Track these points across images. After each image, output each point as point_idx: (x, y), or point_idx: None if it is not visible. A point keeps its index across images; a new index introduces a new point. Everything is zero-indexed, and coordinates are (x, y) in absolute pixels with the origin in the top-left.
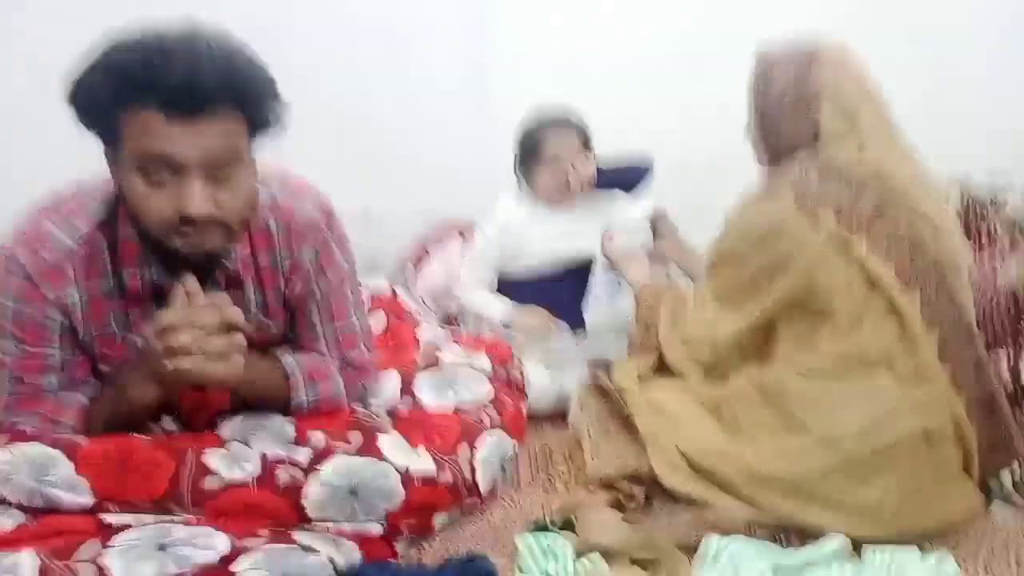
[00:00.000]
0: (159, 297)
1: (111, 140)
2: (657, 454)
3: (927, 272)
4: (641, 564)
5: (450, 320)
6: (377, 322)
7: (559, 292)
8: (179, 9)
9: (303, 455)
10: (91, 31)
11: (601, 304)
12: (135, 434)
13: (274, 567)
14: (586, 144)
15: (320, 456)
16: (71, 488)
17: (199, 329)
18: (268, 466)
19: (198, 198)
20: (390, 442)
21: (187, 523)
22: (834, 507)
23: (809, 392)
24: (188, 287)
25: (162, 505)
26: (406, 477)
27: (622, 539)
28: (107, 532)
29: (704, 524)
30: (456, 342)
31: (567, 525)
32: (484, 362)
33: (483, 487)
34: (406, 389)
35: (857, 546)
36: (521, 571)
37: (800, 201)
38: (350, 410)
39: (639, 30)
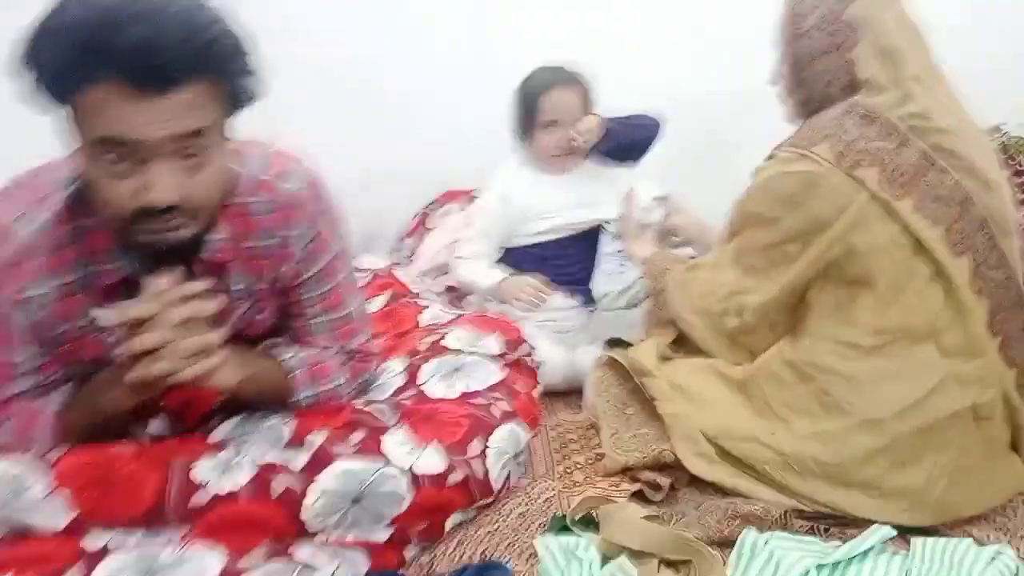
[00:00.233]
0: (133, 291)
1: (69, 119)
2: (681, 439)
3: (976, 234)
4: (672, 564)
5: (453, 295)
6: (376, 304)
7: (566, 260)
8: None
9: (301, 460)
10: None
11: (610, 275)
12: (116, 443)
13: None
14: (588, 102)
15: (319, 462)
16: (46, 508)
17: (173, 327)
18: (262, 475)
19: (162, 185)
20: (395, 441)
21: (177, 542)
22: (876, 492)
23: (847, 369)
24: (161, 282)
25: (148, 522)
26: (413, 479)
27: (650, 539)
28: (89, 559)
29: (736, 516)
30: (461, 322)
31: (588, 523)
32: (492, 343)
33: (496, 484)
34: (411, 378)
35: (904, 536)
36: None
37: (838, 158)
38: (352, 407)
39: None
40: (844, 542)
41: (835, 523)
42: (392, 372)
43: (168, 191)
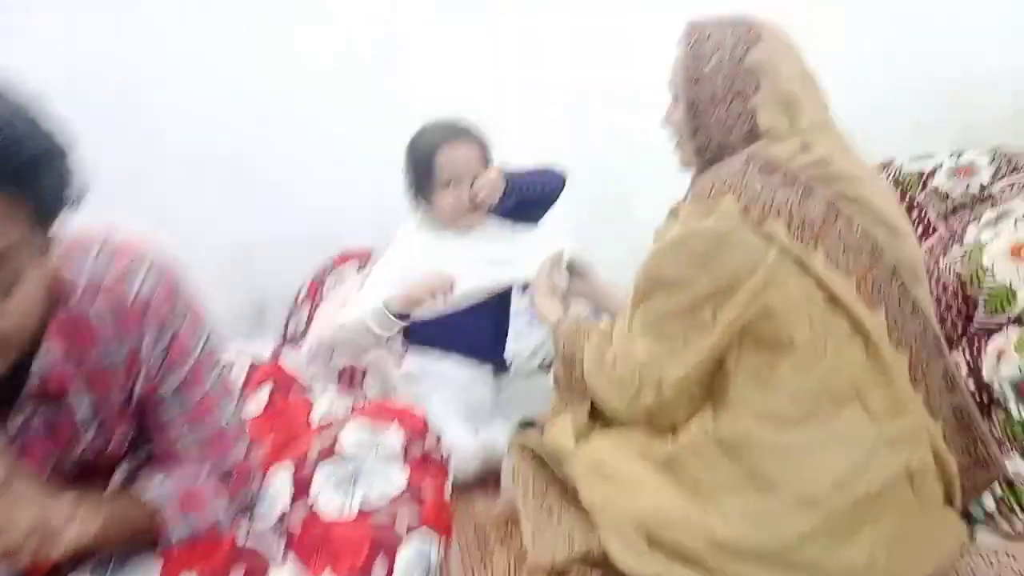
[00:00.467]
0: None
1: None
2: (608, 532)
3: (889, 283)
4: None
5: (350, 375)
6: (259, 401)
7: (474, 327)
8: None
9: None
10: None
11: (520, 334)
12: None
13: None
14: (486, 156)
15: None
16: None
17: None
18: None
19: None
20: None
21: None
22: (818, 573)
23: (774, 443)
24: None
25: None
26: None
27: None
28: None
29: None
30: (358, 415)
31: None
32: (394, 438)
33: None
34: (299, 491)
35: None
36: None
37: (744, 212)
38: (232, 540)
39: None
40: None
41: None
42: (278, 486)
43: None
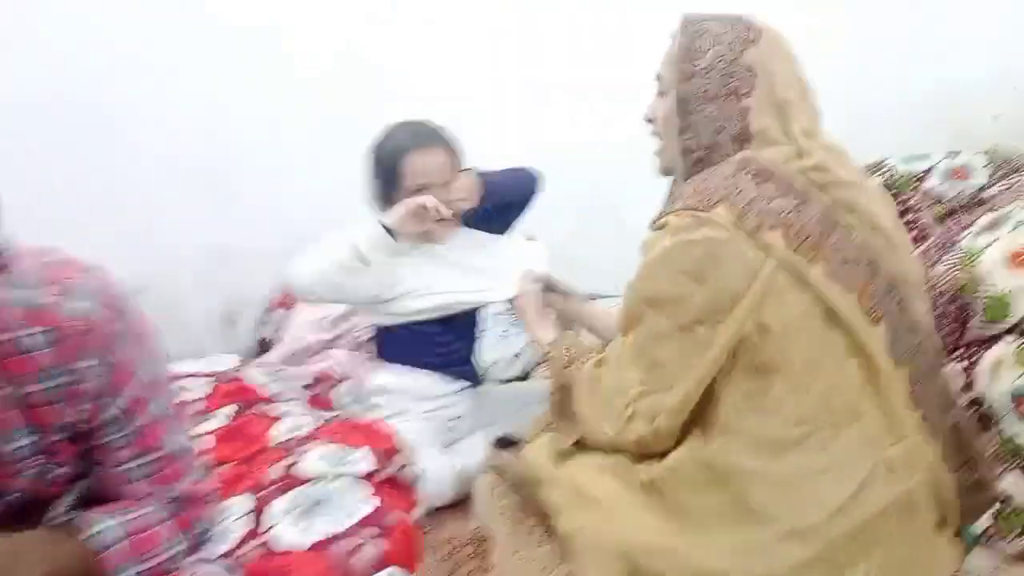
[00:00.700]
0: None
1: None
2: (586, 558)
3: (887, 297)
4: None
5: (323, 385)
6: (219, 419)
7: (448, 338)
8: None
9: None
10: None
11: (497, 340)
12: None
13: None
14: (457, 160)
15: None
16: None
17: None
18: None
19: None
20: None
21: None
22: None
23: (768, 470)
24: None
25: None
26: None
27: None
28: None
29: None
30: (324, 434)
31: None
32: (360, 460)
33: None
34: (256, 522)
35: None
36: None
37: (738, 221)
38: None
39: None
40: None
41: None
42: (234, 515)
43: None
